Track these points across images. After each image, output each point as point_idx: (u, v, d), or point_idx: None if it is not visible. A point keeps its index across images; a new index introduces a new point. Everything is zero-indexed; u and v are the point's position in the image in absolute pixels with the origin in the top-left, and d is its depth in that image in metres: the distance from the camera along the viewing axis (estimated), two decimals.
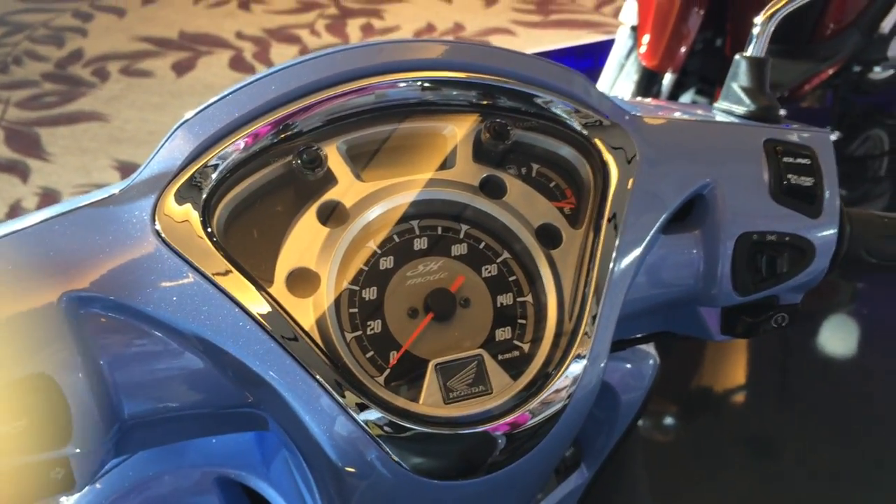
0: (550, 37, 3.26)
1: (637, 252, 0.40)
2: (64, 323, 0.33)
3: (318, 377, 0.34)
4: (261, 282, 0.35)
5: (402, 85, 0.39)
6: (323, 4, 3.79)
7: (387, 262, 0.37)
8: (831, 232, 0.44)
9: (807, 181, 0.44)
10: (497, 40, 3.25)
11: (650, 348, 0.61)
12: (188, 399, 0.36)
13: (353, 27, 3.52)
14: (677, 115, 0.48)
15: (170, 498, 0.46)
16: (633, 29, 1.89)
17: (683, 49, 1.80)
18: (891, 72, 2.21)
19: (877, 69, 2.19)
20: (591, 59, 2.57)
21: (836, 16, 2.08)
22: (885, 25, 2.14)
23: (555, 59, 0.43)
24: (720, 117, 0.49)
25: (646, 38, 1.80)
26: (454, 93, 0.40)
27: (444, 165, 0.40)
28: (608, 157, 0.41)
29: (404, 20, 3.53)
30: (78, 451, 0.33)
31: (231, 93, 0.38)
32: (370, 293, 0.37)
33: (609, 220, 0.39)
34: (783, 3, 0.48)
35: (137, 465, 0.46)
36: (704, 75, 1.97)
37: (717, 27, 1.92)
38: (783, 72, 1.99)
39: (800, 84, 2.04)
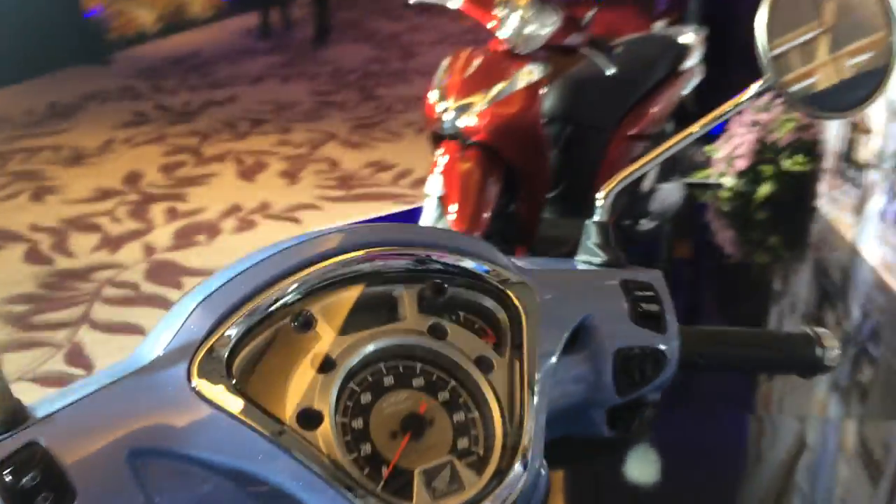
0: (357, 209, 3.49)
1: (547, 371, 0.52)
2: (129, 474, 0.39)
3: (338, 488, 0.42)
4: (278, 418, 0.43)
5: (362, 260, 0.50)
6: (121, 191, 3.79)
7: (366, 398, 0.47)
8: (675, 343, 0.59)
9: (653, 308, 0.59)
10: (306, 215, 3.42)
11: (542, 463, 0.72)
12: None
13: (157, 212, 3.54)
14: (557, 267, 0.63)
15: None
16: (439, 199, 2.11)
17: (486, 215, 2.04)
18: (653, 224, 2.62)
19: (642, 222, 2.59)
20: None
21: (606, 180, 2.47)
22: (645, 186, 2.57)
23: None
24: (582, 267, 0.64)
25: (454, 207, 2.02)
26: (401, 262, 0.52)
27: (397, 318, 0.51)
28: (518, 304, 0.53)
29: (209, 201, 3.62)
30: None
31: (236, 275, 0.47)
32: (358, 423, 0.46)
33: (525, 349, 0.52)
34: (617, 181, 0.66)
35: None
36: (504, 236, 2.22)
37: (510, 196, 2.19)
38: (568, 228, 2.30)
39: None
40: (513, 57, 2.14)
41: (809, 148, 3.36)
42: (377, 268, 0.51)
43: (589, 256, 0.64)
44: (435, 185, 2.11)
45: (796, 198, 3.37)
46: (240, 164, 4.10)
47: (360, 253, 0.51)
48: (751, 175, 3.41)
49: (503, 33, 2.12)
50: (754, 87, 0.61)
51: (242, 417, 0.43)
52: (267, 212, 3.48)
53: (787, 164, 3.34)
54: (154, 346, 0.45)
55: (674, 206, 2.76)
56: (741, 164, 3.40)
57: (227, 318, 0.45)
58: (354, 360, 0.47)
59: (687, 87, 2.69)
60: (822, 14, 0.58)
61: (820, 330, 0.60)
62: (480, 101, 2.09)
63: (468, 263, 0.54)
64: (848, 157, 3.10)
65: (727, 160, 3.47)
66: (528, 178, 2.20)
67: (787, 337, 0.61)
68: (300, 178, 3.90)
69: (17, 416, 0.40)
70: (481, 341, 0.51)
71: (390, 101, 5.35)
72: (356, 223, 0.55)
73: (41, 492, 0.37)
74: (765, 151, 3.38)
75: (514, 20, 2.11)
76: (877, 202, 2.77)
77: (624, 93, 2.48)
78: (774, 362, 0.63)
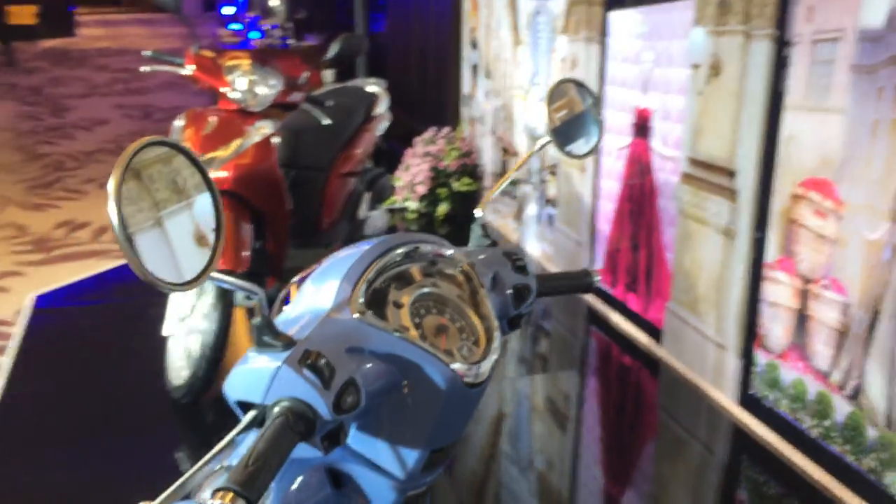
0: (65, 270, 3.42)
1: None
2: (348, 357, 0.68)
3: (430, 351, 0.73)
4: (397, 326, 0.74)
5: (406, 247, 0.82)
6: None
7: (422, 314, 0.79)
8: (535, 281, 0.97)
9: (522, 263, 0.96)
10: (11, 283, 3.27)
11: None
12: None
13: None
14: (476, 250, 1.01)
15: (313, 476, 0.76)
16: None
17: (245, 253, 2.31)
18: None
19: None
20: None
21: (329, 213, 2.86)
22: (360, 214, 3.03)
23: None
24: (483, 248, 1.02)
25: None
26: (427, 248, 0.84)
27: (412, 279, 0.83)
28: (470, 268, 0.88)
29: None
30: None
31: (350, 265, 0.76)
32: (419, 332, 0.77)
33: (479, 289, 0.86)
34: (487, 199, 1.04)
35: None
36: (257, 271, 2.49)
37: (258, 235, 2.47)
38: (307, 258, 2.64)
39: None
40: (245, 115, 2.44)
41: (472, 171, 4.09)
42: (410, 251, 0.83)
43: (480, 243, 1.01)
44: None
45: (467, 212, 4.06)
46: None
47: (408, 245, 0.83)
48: (430, 197, 4.04)
49: (234, 95, 2.41)
50: (541, 141, 1.03)
51: (379, 325, 0.72)
52: None
53: (457, 185, 4.02)
54: (327, 300, 0.73)
55: (381, 229, 3.24)
56: (421, 189, 4.01)
57: (357, 283, 0.75)
58: (415, 296, 0.79)
59: (380, 130, 3.19)
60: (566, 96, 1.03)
61: (590, 269, 1.05)
62: (223, 155, 2.35)
63: (446, 250, 0.87)
64: (502, 176, 3.84)
65: (409, 187, 4.06)
66: (272, 219, 2.50)
67: (577, 272, 1.04)
68: None
69: (288, 339, 0.67)
70: (457, 288, 0.85)
71: (60, 159, 5.14)
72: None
73: (328, 367, 0.64)
74: (439, 177, 4.04)
75: (242, 83, 2.41)
76: (531, 209, 3.51)
77: (334, 138, 2.89)
78: (574, 286, 1.06)
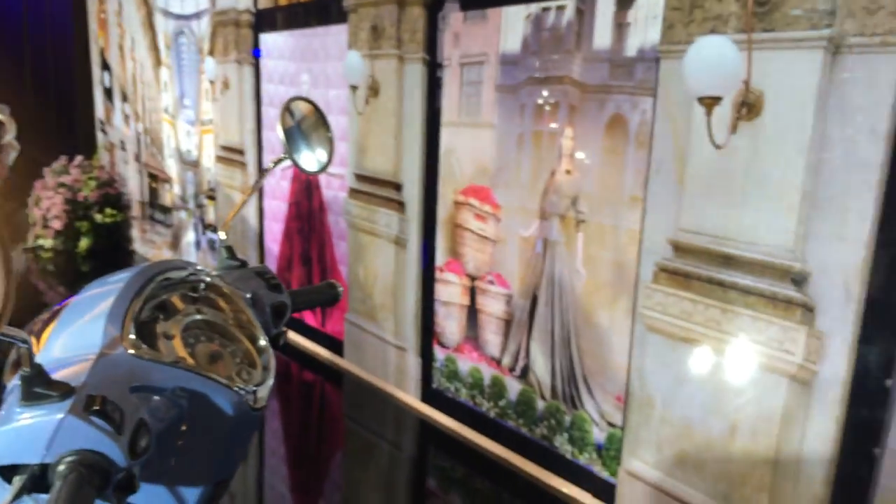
0: None
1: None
2: (132, 397, 0.60)
3: (220, 381, 0.69)
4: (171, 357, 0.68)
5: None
6: None
7: (192, 343, 0.74)
8: (289, 298, 0.97)
9: (274, 282, 0.95)
10: None
11: None
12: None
13: None
14: (229, 271, 0.95)
15: None
16: None
17: None
18: None
19: None
20: None
21: None
22: None
23: None
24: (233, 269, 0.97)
25: None
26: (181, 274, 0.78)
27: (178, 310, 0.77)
28: (227, 289, 0.84)
29: None
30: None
31: (114, 299, 0.68)
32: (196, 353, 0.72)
33: (244, 308, 0.83)
34: (228, 221, 1.00)
35: None
36: None
37: None
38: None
39: None
40: None
41: (116, 201, 3.80)
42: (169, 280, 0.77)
43: (228, 265, 0.96)
44: None
45: (113, 245, 3.77)
46: None
47: (183, 272, 0.76)
48: (68, 233, 3.66)
49: None
50: (275, 158, 1.03)
51: (157, 359, 0.66)
52: None
53: (100, 218, 3.70)
54: (95, 340, 0.64)
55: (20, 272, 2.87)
56: (57, 224, 3.62)
57: (125, 319, 0.67)
58: (181, 328, 0.74)
59: (10, 160, 2.82)
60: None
61: (332, 281, 1.07)
62: None
63: (204, 276, 0.82)
64: (153, 204, 3.64)
65: (42, 223, 3.64)
66: None
67: (322, 286, 1.06)
68: None
69: (66, 387, 0.58)
70: (222, 312, 0.81)
71: None
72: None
73: (116, 410, 0.57)
74: (77, 209, 3.68)
75: None
76: (190, 236, 3.38)
77: None
78: (323, 300, 1.07)
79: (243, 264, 0.97)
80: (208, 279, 0.81)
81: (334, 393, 2.65)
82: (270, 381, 0.76)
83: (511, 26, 1.81)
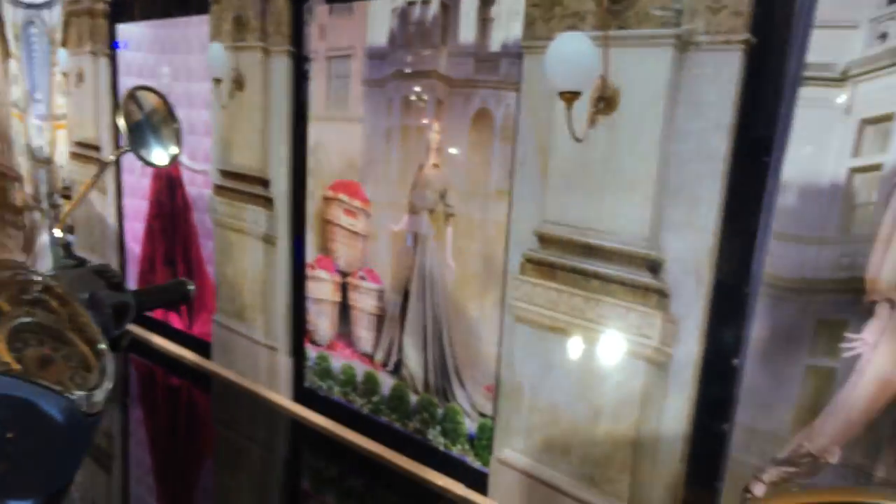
0: None
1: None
2: None
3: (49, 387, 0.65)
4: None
5: None
6: None
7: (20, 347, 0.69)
8: (132, 298, 0.92)
9: (116, 280, 0.90)
10: None
11: None
12: None
13: None
14: (66, 271, 0.88)
15: None
16: None
17: None
18: None
19: None
20: None
21: None
22: None
23: None
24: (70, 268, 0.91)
25: None
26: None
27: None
28: (62, 293, 0.79)
29: None
30: None
31: None
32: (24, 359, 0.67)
33: (78, 311, 0.79)
34: (64, 218, 0.93)
35: None
36: None
37: None
38: None
39: None
40: None
41: None
42: None
43: (64, 264, 0.91)
44: None
45: None
46: None
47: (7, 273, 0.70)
48: None
49: None
50: (118, 151, 0.98)
51: None
52: None
53: None
54: None
55: None
56: None
57: None
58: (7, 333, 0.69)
59: None
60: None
61: (182, 279, 1.03)
62: None
63: (32, 275, 0.77)
64: (2, 205, 3.40)
65: None
66: None
67: (171, 284, 1.02)
68: None
69: None
70: (54, 314, 0.77)
71: None
72: None
73: None
74: None
75: None
76: (43, 238, 3.18)
77: None
78: (171, 299, 1.03)
79: (81, 263, 0.92)
80: (39, 279, 0.76)
81: (202, 397, 2.56)
82: (108, 385, 0.73)
83: (377, 20, 1.80)
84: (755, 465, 1.30)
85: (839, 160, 1.16)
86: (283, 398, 2.24)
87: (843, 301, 1.18)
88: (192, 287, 1.02)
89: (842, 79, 1.13)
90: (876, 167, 1.12)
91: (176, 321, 2.61)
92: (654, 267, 1.38)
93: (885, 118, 1.10)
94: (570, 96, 1.40)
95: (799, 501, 0.66)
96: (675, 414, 1.40)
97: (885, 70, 1.09)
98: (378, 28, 1.81)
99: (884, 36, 1.09)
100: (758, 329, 1.28)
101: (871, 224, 1.14)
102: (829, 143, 1.16)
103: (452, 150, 1.69)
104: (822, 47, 1.14)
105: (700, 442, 1.39)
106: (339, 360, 2.06)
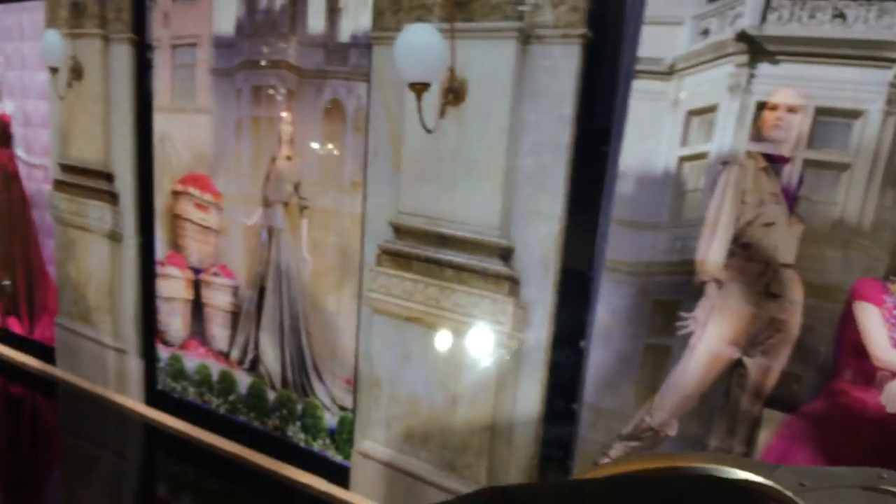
0: None
1: None
2: None
3: None
4: None
5: None
6: None
7: None
8: None
9: None
10: None
11: None
12: None
13: None
14: None
15: None
16: None
17: None
18: None
19: None
20: None
21: None
22: None
23: None
24: None
25: None
26: None
27: None
28: None
29: None
30: None
31: None
32: None
33: None
34: None
35: None
36: None
37: None
38: None
39: None
40: None
41: None
42: None
43: None
44: None
45: None
46: None
47: None
48: None
49: None
50: None
51: None
52: None
53: None
54: None
55: None
56: None
57: None
58: None
59: None
60: None
61: None
62: None
63: None
64: None
65: None
66: None
67: None
68: None
69: None
70: None
71: None
72: None
73: None
74: None
75: None
76: None
77: None
78: None
79: None
80: None
81: (47, 405, 2.40)
82: None
83: (223, 8, 1.75)
84: (603, 442, 1.36)
85: (670, 149, 1.22)
86: (134, 402, 2.14)
87: (677, 282, 1.25)
88: (7, 282, 0.96)
89: (669, 72, 1.20)
90: (702, 155, 1.20)
91: (16, 326, 2.44)
92: (506, 255, 1.42)
93: (709, 109, 1.18)
94: (419, 87, 1.41)
95: (621, 469, 0.70)
96: (528, 397, 1.44)
97: (707, 64, 1.17)
98: (224, 16, 1.75)
99: (706, 32, 1.16)
100: (601, 312, 1.34)
101: (699, 209, 1.21)
102: (661, 134, 1.23)
103: (305, 142, 1.66)
104: (652, 42, 1.21)
105: (552, 423, 1.43)
106: (193, 360, 1.98)
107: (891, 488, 0.64)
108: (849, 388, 1.15)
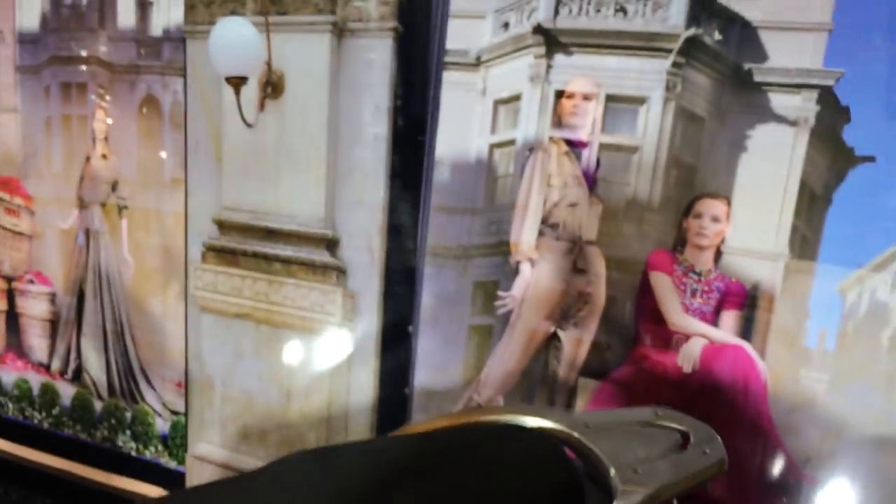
0: None
1: None
2: None
3: None
4: None
5: None
6: None
7: None
8: None
9: None
10: None
11: None
12: None
13: None
14: None
15: None
16: None
17: None
18: None
19: None
20: None
21: None
22: None
23: None
24: None
25: None
26: None
27: None
28: None
29: None
30: None
31: None
32: None
33: None
34: None
35: None
36: None
37: None
38: None
39: None
40: None
41: None
42: None
43: None
44: None
45: None
46: None
47: None
48: None
49: None
50: None
51: None
52: None
53: None
54: None
55: None
56: None
57: None
58: None
59: None
60: None
61: None
62: None
63: None
64: None
65: None
66: None
67: None
68: None
69: None
70: None
71: None
72: None
73: None
74: None
75: None
76: None
77: None
78: None
79: None
80: None
81: None
82: None
83: (27, 1, 1.65)
84: None
85: (481, 137, 1.29)
86: None
87: (494, 263, 1.32)
88: None
89: (476, 64, 1.26)
90: (510, 142, 1.27)
91: None
92: (332, 246, 1.43)
93: (514, 98, 1.25)
94: (237, 81, 1.40)
95: (431, 425, 0.74)
96: (362, 385, 1.46)
97: (509, 56, 1.23)
98: (28, 10, 1.66)
99: (506, 25, 1.23)
100: (427, 296, 1.38)
101: (511, 193, 1.28)
102: (472, 122, 1.29)
103: (120, 140, 1.60)
104: (458, 35, 1.26)
105: (386, 409, 1.47)
106: (10, 375, 1.86)
107: (664, 423, 0.72)
108: (650, 353, 1.25)
